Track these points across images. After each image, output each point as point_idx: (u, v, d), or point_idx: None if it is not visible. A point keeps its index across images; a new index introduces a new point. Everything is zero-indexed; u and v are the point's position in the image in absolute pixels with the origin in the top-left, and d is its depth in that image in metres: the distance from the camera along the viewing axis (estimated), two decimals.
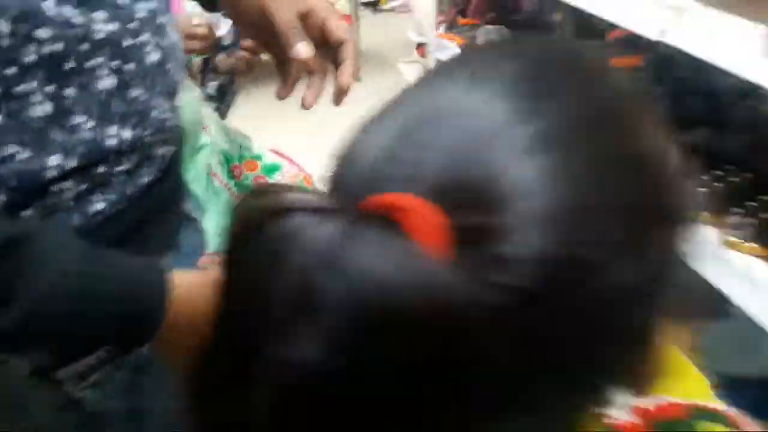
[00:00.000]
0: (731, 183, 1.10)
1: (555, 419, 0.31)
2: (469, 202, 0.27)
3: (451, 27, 2.06)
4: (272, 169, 1.81)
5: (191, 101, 1.64)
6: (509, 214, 0.27)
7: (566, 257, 0.27)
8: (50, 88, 0.54)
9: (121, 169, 0.60)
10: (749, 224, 1.04)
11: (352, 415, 0.27)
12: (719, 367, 1.24)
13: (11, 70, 0.52)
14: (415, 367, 0.26)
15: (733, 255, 1.05)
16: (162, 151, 0.66)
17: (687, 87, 1.13)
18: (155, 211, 0.66)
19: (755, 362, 1.21)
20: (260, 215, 0.28)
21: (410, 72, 2.63)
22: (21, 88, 0.53)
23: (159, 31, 0.63)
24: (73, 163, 0.56)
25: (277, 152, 1.84)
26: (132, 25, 0.59)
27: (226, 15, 0.84)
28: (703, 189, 1.11)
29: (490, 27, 1.71)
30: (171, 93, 0.66)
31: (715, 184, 1.11)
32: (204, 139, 1.74)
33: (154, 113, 0.63)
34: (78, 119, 0.56)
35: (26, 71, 0.52)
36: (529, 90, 0.30)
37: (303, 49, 0.67)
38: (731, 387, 1.23)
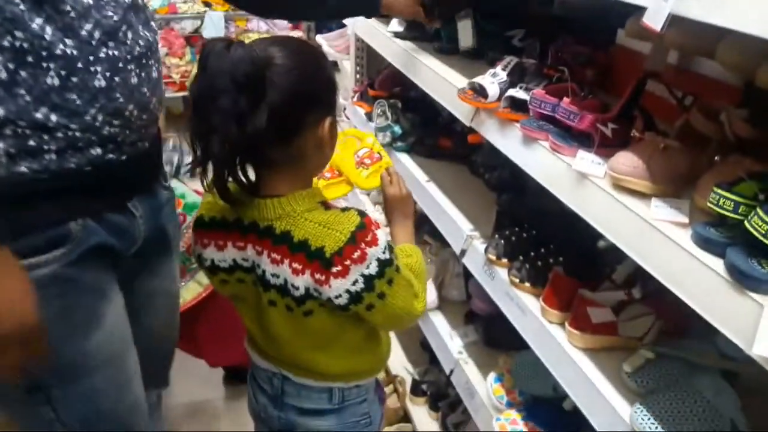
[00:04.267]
0: (520, 238, 1.41)
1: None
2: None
3: (362, 97, 2.41)
4: (193, 207, 2.01)
5: None
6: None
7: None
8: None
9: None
10: (526, 269, 1.34)
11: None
12: (523, 388, 1.52)
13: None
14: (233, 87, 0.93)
15: (515, 291, 1.35)
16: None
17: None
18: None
19: (548, 385, 1.46)
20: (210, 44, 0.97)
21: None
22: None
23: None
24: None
25: (198, 192, 2.06)
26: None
27: None
28: (502, 241, 1.42)
29: (383, 101, 2.06)
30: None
31: (512, 238, 1.42)
32: None
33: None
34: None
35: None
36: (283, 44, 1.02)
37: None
38: (533, 404, 1.51)
